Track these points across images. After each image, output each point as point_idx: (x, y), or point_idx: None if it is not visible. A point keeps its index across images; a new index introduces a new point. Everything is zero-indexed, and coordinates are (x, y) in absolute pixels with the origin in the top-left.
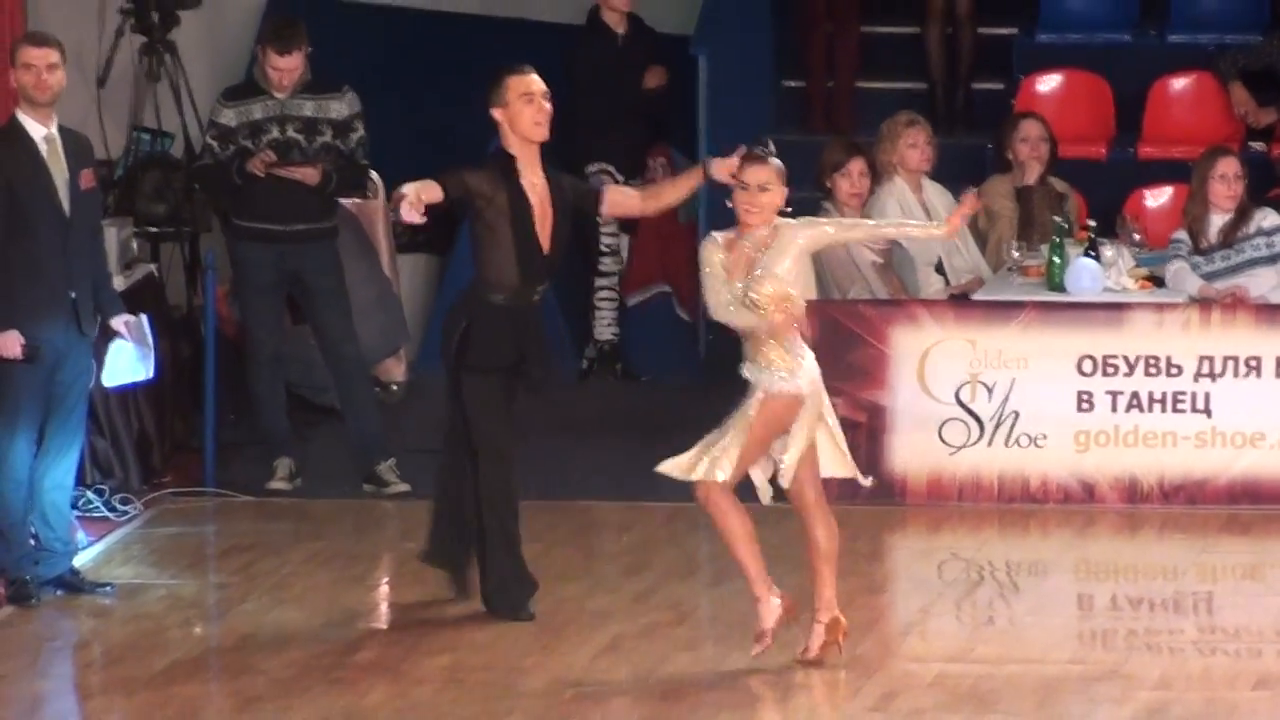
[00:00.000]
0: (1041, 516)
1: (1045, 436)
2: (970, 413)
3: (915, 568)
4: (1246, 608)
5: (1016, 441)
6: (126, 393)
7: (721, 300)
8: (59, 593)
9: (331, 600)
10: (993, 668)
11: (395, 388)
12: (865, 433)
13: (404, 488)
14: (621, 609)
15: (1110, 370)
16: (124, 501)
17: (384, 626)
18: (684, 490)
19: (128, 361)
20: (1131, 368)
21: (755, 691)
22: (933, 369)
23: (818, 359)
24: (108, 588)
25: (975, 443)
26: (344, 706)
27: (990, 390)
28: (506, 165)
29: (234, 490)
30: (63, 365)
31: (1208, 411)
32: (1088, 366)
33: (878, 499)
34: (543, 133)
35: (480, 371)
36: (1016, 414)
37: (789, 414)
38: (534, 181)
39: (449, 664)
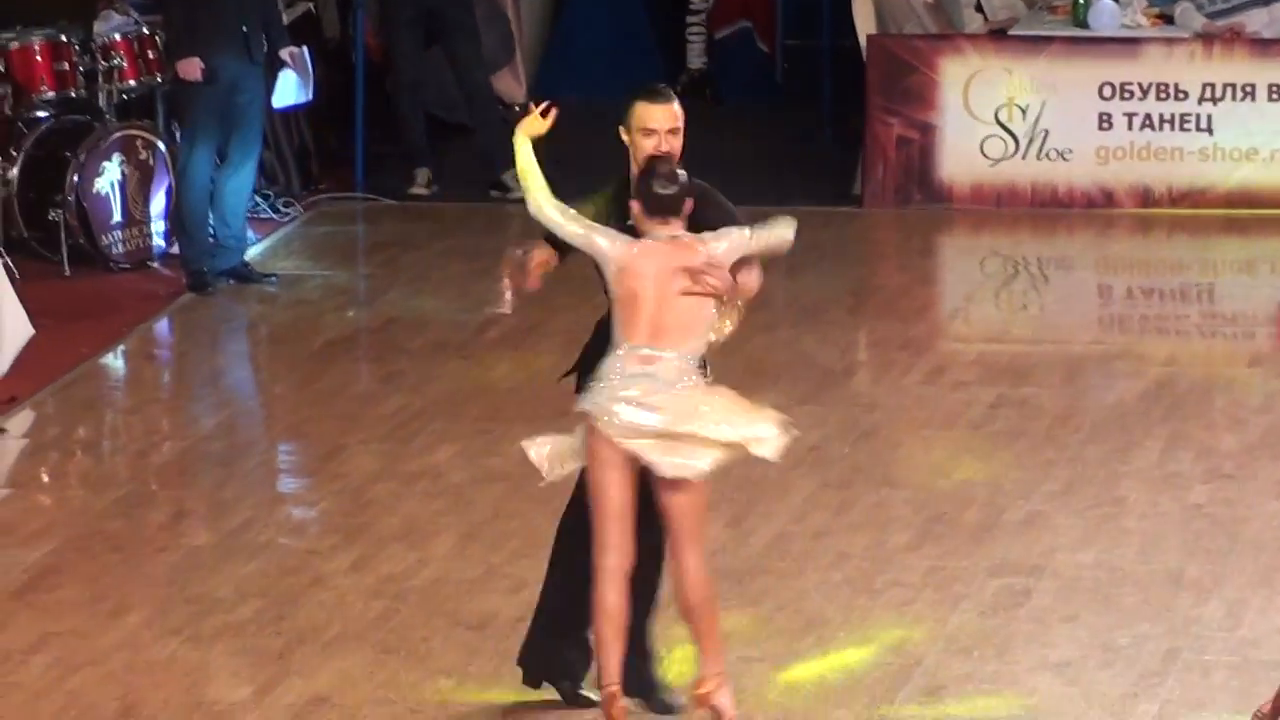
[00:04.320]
0: (1068, 219)
1: (1071, 151)
2: (1008, 130)
3: (960, 262)
4: (1242, 297)
5: (1046, 155)
6: (289, 113)
7: None
8: (231, 282)
9: (462, 289)
10: (1026, 347)
11: (516, 108)
12: (918, 148)
13: None
14: None
15: (1127, 95)
16: (286, 205)
17: (507, 311)
18: (769, 196)
19: (292, 86)
20: (1145, 93)
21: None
22: (975, 93)
23: (878, 90)
24: (273, 278)
25: (1012, 156)
26: (474, 378)
27: (1024, 111)
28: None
29: (380, 195)
30: (238, 88)
31: (1210, 130)
32: (1107, 92)
33: (927, 203)
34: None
35: None
36: (1047, 132)
37: None
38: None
39: (563, 343)
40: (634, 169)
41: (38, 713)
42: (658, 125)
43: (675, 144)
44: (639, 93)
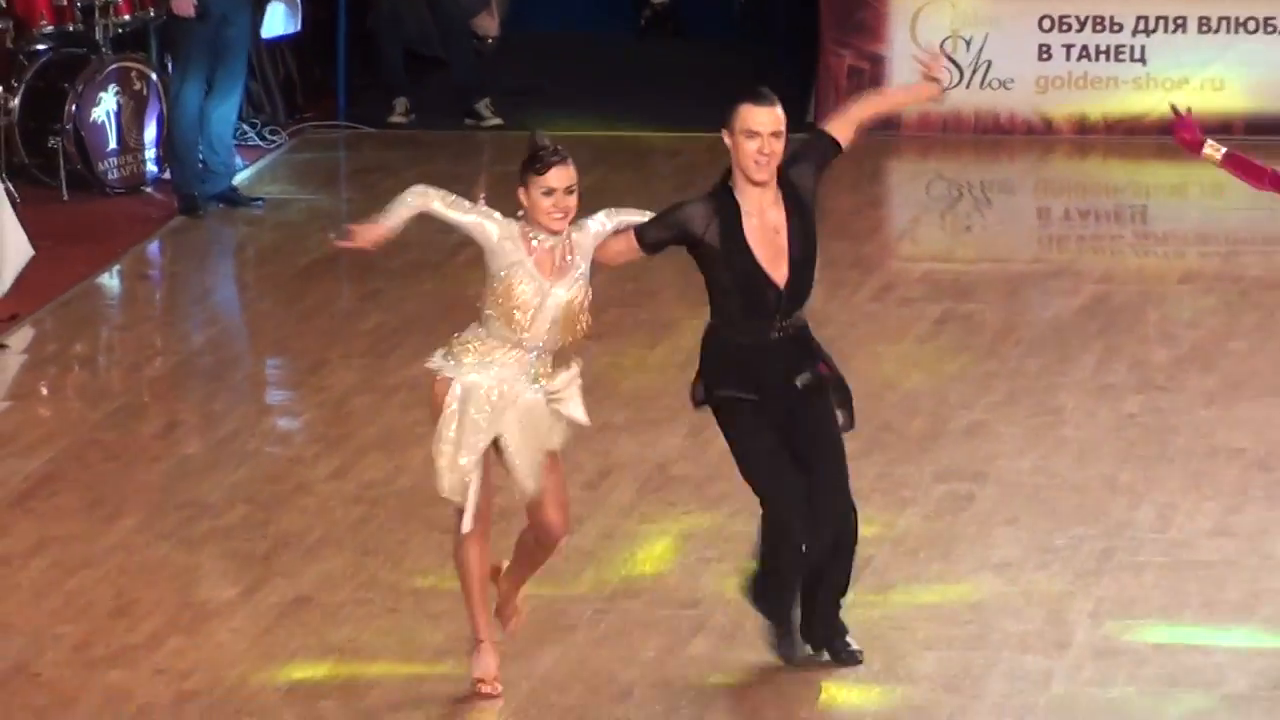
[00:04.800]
0: (1009, 145)
1: (1012, 80)
2: (952, 61)
3: (908, 186)
4: (1173, 218)
5: (989, 85)
6: (276, 44)
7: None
8: (220, 206)
9: None
10: (969, 265)
11: (490, 41)
12: (868, 78)
13: (497, 121)
14: None
15: (1065, 27)
16: (273, 133)
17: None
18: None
19: (280, 17)
20: (1082, 25)
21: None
22: (922, 26)
23: (831, 23)
24: (259, 201)
25: (956, 85)
26: (449, 296)
27: (968, 43)
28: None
29: (361, 124)
30: (228, 20)
31: (1143, 61)
32: (1046, 24)
33: (876, 130)
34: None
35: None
36: (989, 63)
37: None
38: (760, 208)
39: None
40: (735, 172)
41: (38, 611)
42: (761, 128)
43: (777, 147)
44: (743, 95)
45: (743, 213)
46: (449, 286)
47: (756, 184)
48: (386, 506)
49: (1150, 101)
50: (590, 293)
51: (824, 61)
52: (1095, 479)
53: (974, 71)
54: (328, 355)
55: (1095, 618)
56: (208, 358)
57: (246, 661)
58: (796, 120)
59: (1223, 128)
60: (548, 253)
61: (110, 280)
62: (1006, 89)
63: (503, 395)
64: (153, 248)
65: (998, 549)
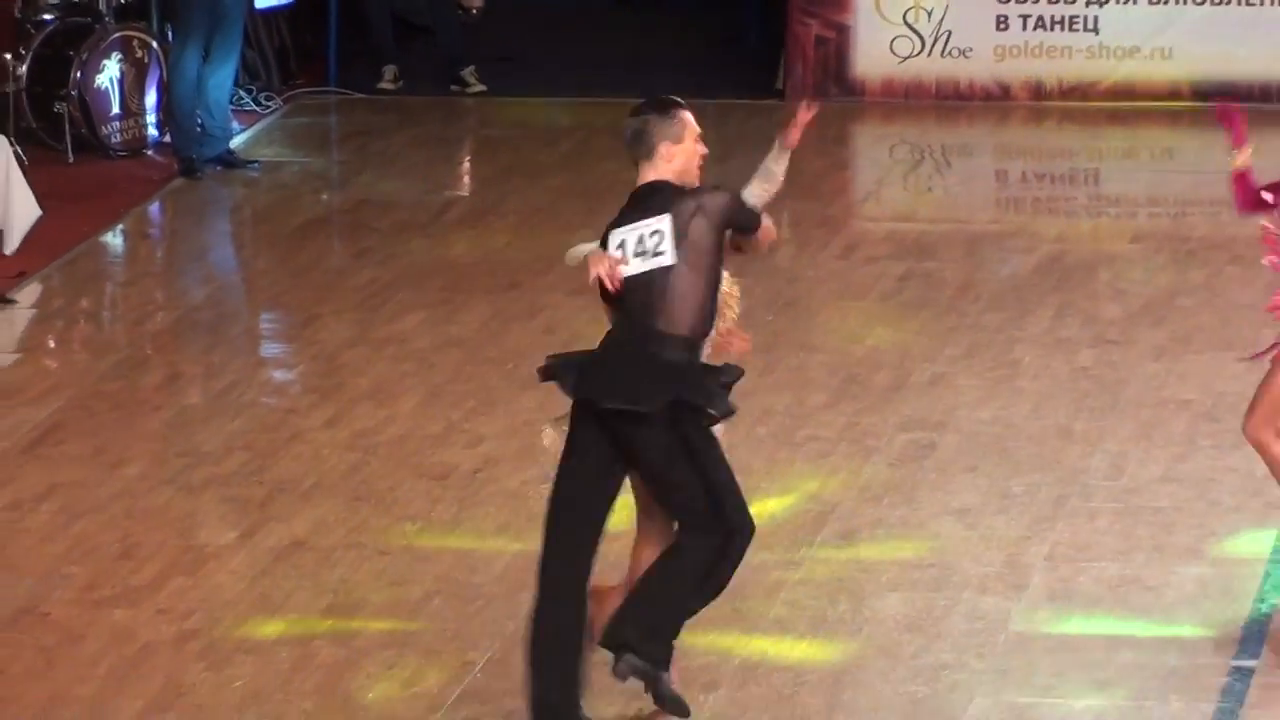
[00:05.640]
0: (968, 111)
1: (971, 49)
2: (914, 31)
3: (872, 150)
4: (1124, 181)
5: (949, 53)
6: (270, 14)
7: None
8: (218, 168)
9: (426, 174)
10: (931, 225)
11: (475, 10)
12: (834, 47)
13: (482, 88)
14: None
15: None
16: (268, 98)
17: (466, 194)
18: (701, 90)
19: None
20: None
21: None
22: None
23: None
24: (255, 164)
25: (918, 54)
26: (436, 254)
27: (929, 14)
28: None
29: (351, 89)
30: None
31: (1096, 30)
32: None
33: (842, 98)
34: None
35: None
36: (950, 32)
37: None
38: None
39: (516, 223)
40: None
41: (46, 554)
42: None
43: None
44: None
45: None
46: (435, 245)
47: None
48: (377, 455)
49: (1103, 69)
50: None
51: (792, 30)
52: (1051, 428)
53: (935, 41)
54: (321, 310)
55: (1051, 560)
56: (206, 313)
57: (244, 602)
58: (767, 85)
59: (1171, 94)
60: None
61: (113, 239)
62: (966, 57)
63: None
64: (154, 208)
65: (958, 495)
